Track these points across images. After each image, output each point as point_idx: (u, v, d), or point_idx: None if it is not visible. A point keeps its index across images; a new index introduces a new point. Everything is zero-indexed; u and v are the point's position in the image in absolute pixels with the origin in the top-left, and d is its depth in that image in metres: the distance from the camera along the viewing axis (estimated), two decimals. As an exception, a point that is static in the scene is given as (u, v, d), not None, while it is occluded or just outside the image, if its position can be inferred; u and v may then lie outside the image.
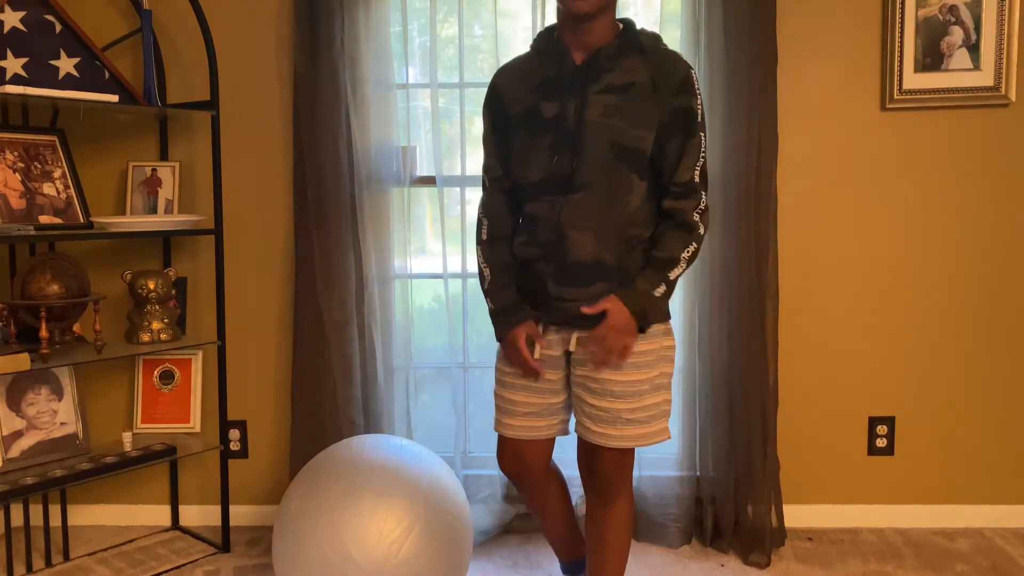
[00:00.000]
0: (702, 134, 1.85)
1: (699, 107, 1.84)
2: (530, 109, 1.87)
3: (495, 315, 1.98)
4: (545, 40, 1.91)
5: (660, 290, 1.84)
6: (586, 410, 1.93)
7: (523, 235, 1.93)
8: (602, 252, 1.83)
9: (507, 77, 1.95)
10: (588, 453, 1.98)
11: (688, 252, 1.86)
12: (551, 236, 1.85)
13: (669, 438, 1.94)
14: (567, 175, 1.81)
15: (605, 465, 1.94)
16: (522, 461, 2.04)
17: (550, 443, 2.06)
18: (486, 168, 2.01)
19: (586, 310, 1.83)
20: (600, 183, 1.81)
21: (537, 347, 1.93)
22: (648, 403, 1.89)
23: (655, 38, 1.88)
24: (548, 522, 2.18)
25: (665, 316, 1.93)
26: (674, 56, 1.85)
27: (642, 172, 1.83)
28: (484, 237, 2.01)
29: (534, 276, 1.92)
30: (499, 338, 1.97)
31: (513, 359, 1.96)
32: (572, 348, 1.92)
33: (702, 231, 1.87)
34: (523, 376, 1.97)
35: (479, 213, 2.04)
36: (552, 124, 1.83)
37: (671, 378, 1.96)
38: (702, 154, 1.85)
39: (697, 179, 1.85)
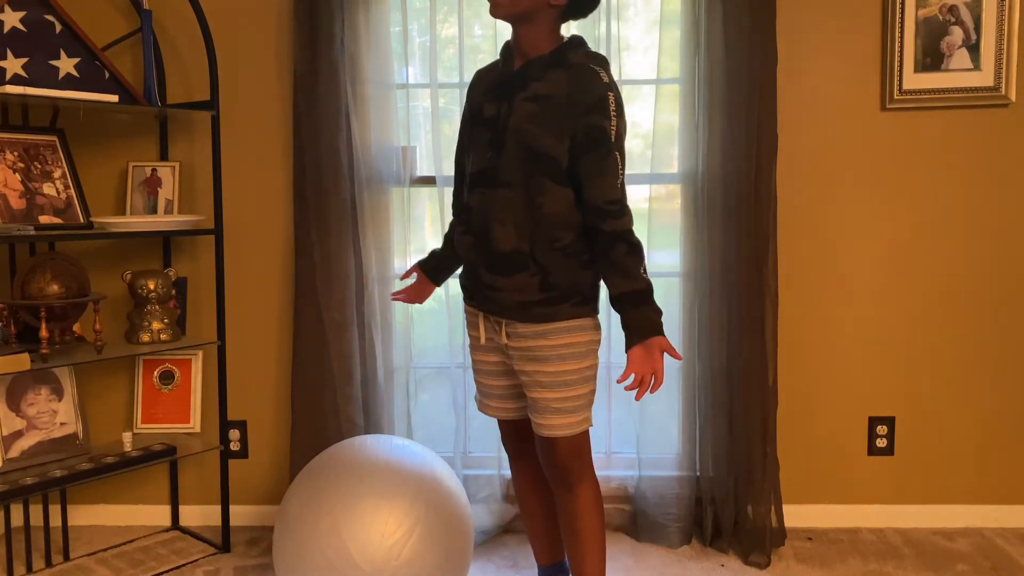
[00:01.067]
0: (617, 153, 1.90)
1: (612, 128, 1.88)
2: (478, 109, 2.04)
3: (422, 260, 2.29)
4: (505, 47, 2.05)
5: (657, 315, 1.88)
6: (527, 402, 2.05)
7: (461, 225, 2.08)
8: (520, 244, 1.94)
9: (475, 80, 2.12)
10: (541, 446, 2.05)
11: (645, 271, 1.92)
12: (481, 225, 1.98)
13: (591, 425, 2.04)
14: (494, 172, 1.96)
15: (560, 454, 2.02)
16: (522, 437, 2.19)
17: None
18: (455, 158, 2.19)
19: (627, 387, 1.87)
20: (518, 182, 1.93)
21: (482, 332, 2.09)
22: (577, 393, 1.99)
23: (591, 57, 1.94)
24: (533, 518, 2.27)
25: (594, 310, 2.01)
26: (596, 78, 1.89)
27: (556, 178, 1.91)
28: (448, 231, 2.27)
29: (469, 265, 2.06)
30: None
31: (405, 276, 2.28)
32: (505, 340, 2.02)
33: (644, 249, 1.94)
34: (478, 357, 2.15)
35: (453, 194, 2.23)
36: (488, 124, 1.99)
37: (596, 369, 2.04)
38: (621, 171, 1.90)
39: (621, 196, 1.91)
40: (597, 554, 2.07)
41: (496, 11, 1.92)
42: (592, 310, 2.01)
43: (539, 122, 1.90)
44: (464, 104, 2.15)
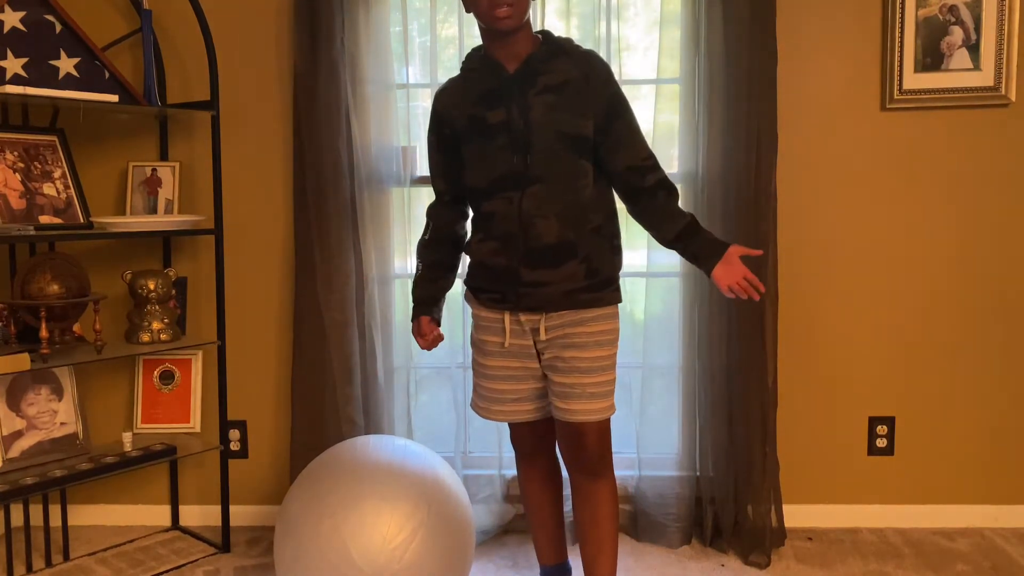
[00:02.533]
0: (631, 112, 2.06)
1: (622, 93, 2.06)
2: (475, 120, 2.02)
3: (415, 303, 2.21)
4: (476, 59, 2.06)
5: (712, 235, 2.04)
6: (555, 389, 2.06)
7: (479, 233, 2.08)
8: (565, 233, 1.98)
9: (445, 99, 2.10)
10: (571, 434, 2.06)
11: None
12: (511, 228, 1.99)
13: (615, 411, 2.08)
14: (522, 172, 1.97)
15: (590, 439, 2.05)
16: (539, 436, 2.21)
17: (550, 421, 2.17)
18: (432, 184, 2.19)
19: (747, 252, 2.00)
20: (555, 173, 1.98)
21: (508, 336, 2.07)
22: (609, 378, 2.06)
23: (571, 41, 2.07)
24: (543, 516, 2.28)
25: (620, 298, 2.10)
26: (595, 55, 2.06)
27: (588, 157, 2.01)
28: (424, 237, 2.22)
29: (500, 270, 2.04)
30: (412, 319, 2.22)
31: (421, 334, 2.19)
32: (543, 337, 2.04)
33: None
34: (489, 357, 2.13)
35: (426, 214, 2.22)
36: (500, 128, 1.98)
37: None
38: (640, 130, 2.06)
39: (651, 151, 2.05)
40: (613, 544, 2.11)
41: (506, 22, 1.91)
42: (619, 298, 2.09)
43: (564, 108, 1.97)
44: (436, 130, 2.10)
